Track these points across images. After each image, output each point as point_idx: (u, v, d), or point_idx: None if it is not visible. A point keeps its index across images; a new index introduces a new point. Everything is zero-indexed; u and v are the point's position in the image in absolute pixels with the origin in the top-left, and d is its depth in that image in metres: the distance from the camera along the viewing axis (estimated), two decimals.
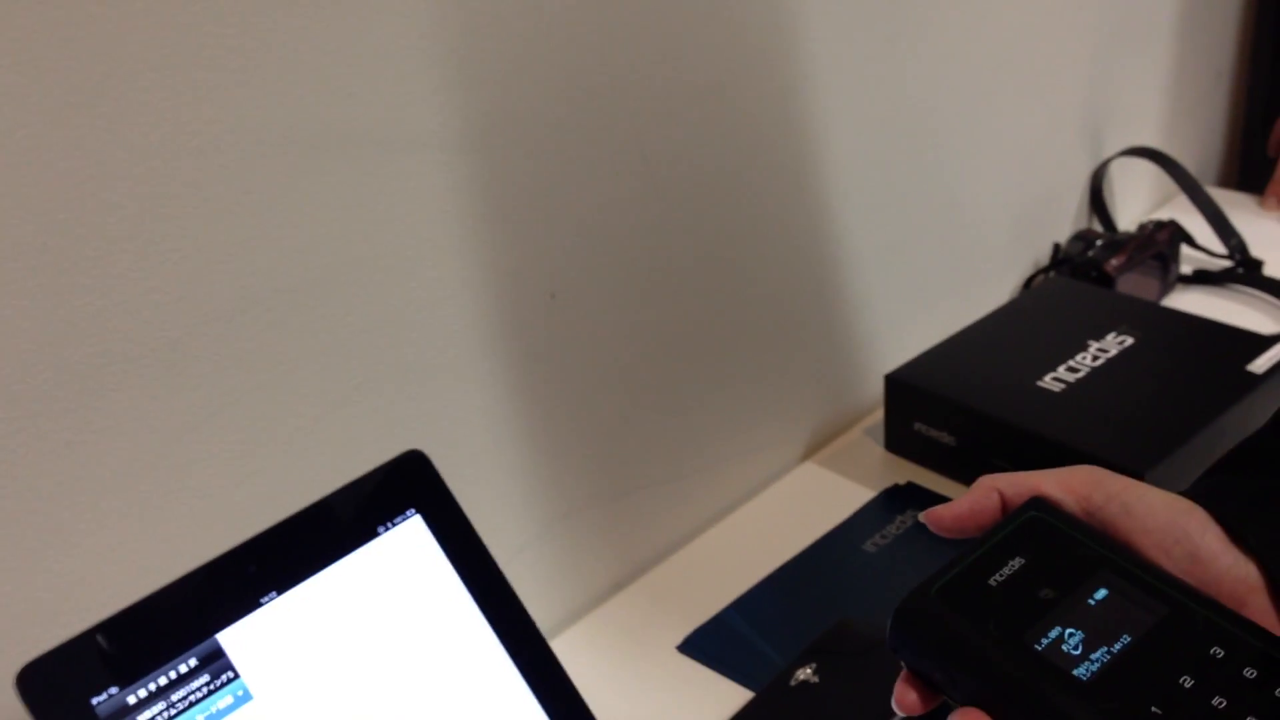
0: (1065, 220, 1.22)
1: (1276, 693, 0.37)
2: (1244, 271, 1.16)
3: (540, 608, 0.55)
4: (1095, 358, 0.93)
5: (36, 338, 0.53)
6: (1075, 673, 0.38)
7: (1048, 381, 0.90)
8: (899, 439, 0.95)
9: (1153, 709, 0.37)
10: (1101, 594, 0.40)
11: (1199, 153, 1.43)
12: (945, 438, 0.91)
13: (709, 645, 0.78)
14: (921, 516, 0.47)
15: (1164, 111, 1.33)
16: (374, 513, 0.54)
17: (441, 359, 0.69)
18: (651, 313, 0.80)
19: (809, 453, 0.98)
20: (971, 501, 0.45)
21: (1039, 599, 0.40)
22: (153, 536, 0.59)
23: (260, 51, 0.56)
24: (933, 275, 1.05)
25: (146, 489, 0.58)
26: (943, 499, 0.90)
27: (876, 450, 0.97)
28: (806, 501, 0.92)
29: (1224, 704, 0.37)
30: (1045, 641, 0.39)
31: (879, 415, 0.98)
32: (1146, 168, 1.29)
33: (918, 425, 0.93)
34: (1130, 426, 0.86)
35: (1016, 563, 0.42)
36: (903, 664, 0.42)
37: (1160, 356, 0.93)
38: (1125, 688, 0.38)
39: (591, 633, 0.81)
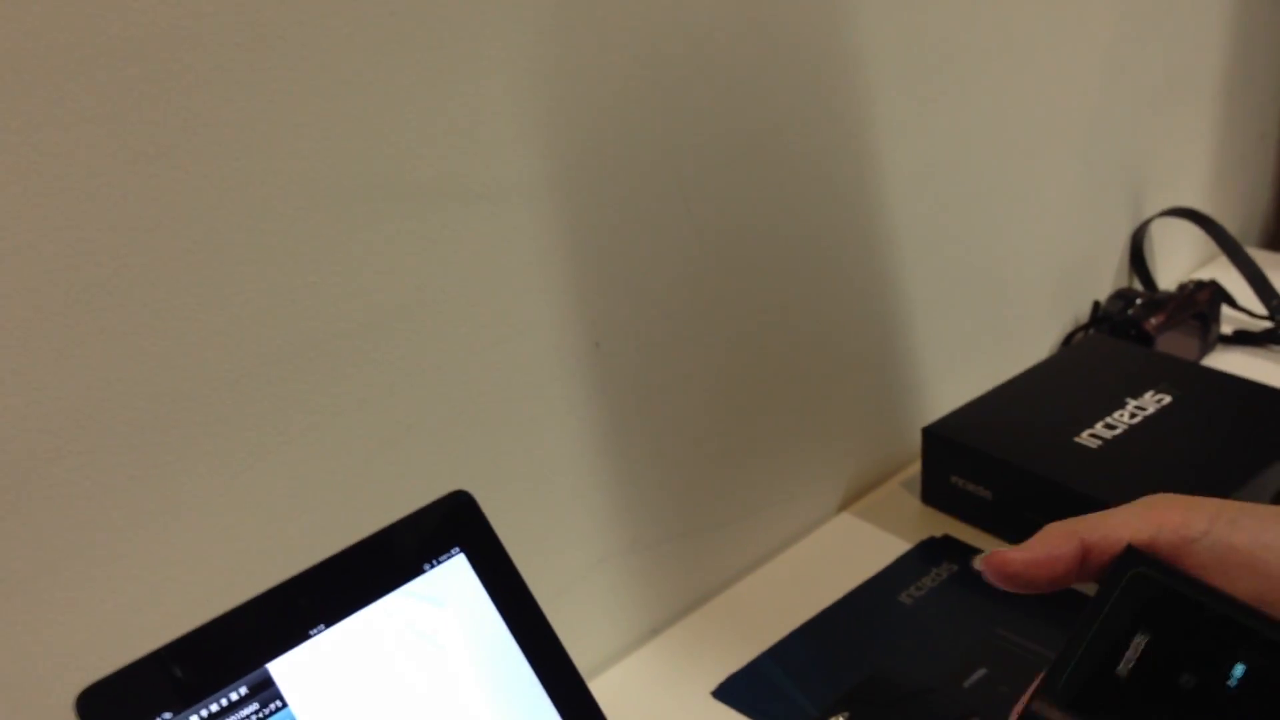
0: (1105, 279, 1.23)
1: None
2: None
3: (578, 650, 0.56)
4: (1133, 415, 0.93)
5: (104, 375, 0.55)
6: None
7: (1085, 438, 0.91)
8: (936, 492, 0.96)
9: None
10: (1240, 671, 0.37)
11: (1241, 214, 1.43)
12: (982, 492, 0.92)
13: (744, 692, 0.79)
14: (979, 561, 0.40)
15: (1206, 172, 1.34)
16: (420, 550, 0.56)
17: (489, 403, 0.71)
18: (693, 364, 0.82)
19: (846, 504, 0.99)
20: (1048, 548, 0.40)
21: (1180, 689, 0.36)
22: (208, 568, 0.61)
23: (322, 109, 0.59)
24: (971, 331, 1.06)
25: (204, 523, 0.60)
26: (980, 553, 0.90)
27: (913, 503, 0.98)
28: (843, 552, 0.93)
29: None
30: None
31: (916, 468, 0.98)
32: (1187, 228, 1.29)
33: (955, 479, 0.94)
34: (1167, 485, 0.85)
35: (1140, 641, 0.38)
36: None
37: (1199, 415, 0.94)
38: None
39: (628, 676, 0.82)
